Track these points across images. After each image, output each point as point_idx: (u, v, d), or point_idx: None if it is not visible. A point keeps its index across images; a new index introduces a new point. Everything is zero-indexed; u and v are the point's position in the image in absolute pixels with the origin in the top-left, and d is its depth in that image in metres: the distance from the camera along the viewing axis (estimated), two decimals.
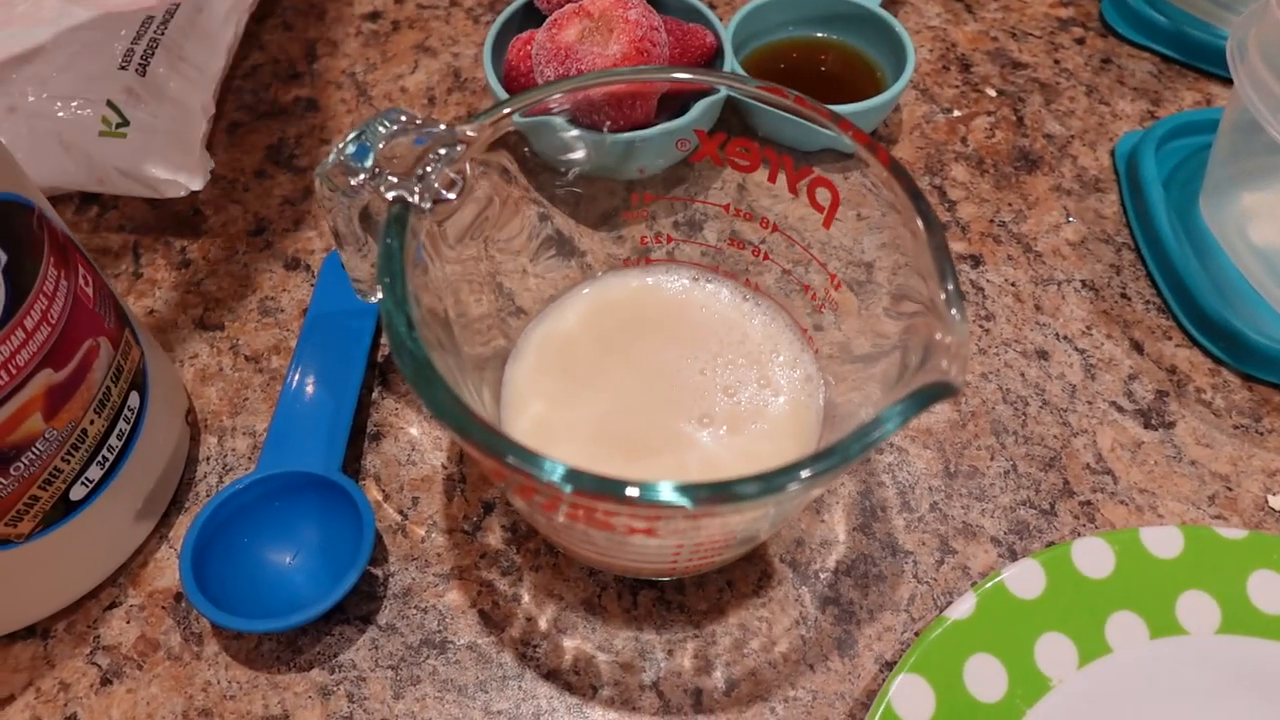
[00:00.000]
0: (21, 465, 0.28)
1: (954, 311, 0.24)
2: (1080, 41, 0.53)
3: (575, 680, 0.32)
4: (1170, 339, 0.41)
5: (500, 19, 0.45)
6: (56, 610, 0.33)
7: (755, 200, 0.33)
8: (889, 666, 0.32)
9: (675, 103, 0.38)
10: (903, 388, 0.24)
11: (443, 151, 0.27)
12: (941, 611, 0.32)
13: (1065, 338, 0.41)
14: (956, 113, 0.50)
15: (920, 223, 0.26)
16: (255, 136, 0.49)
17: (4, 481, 0.27)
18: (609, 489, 0.22)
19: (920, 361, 0.25)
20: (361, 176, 0.27)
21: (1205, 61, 0.51)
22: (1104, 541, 0.32)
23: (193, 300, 0.42)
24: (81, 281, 0.29)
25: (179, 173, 0.41)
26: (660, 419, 0.32)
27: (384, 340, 0.40)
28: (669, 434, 0.32)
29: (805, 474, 0.22)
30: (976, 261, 0.43)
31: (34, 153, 0.41)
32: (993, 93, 0.51)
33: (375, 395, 0.39)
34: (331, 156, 0.27)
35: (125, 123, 0.42)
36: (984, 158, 0.48)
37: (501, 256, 0.33)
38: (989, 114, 0.50)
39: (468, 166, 0.28)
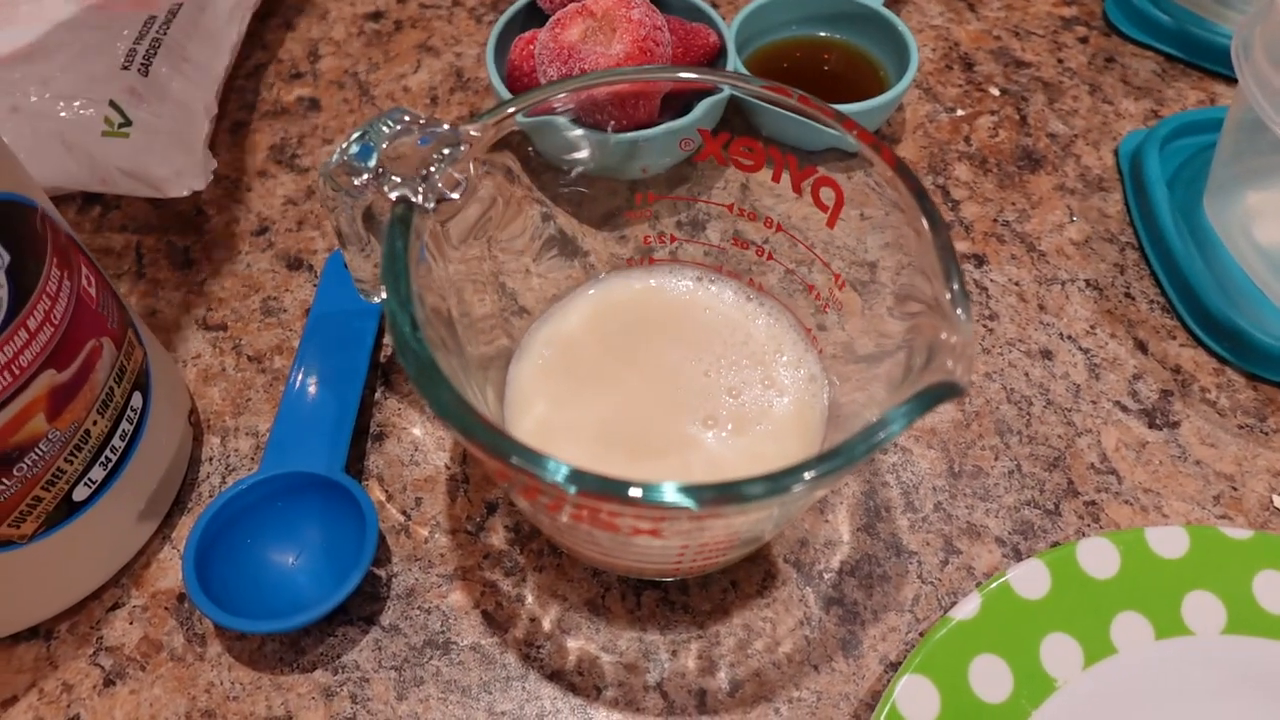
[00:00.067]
0: (24, 466, 0.27)
1: (959, 311, 0.24)
2: (1083, 40, 0.53)
3: (579, 681, 0.32)
4: (1175, 339, 0.41)
5: (503, 19, 0.44)
6: (59, 611, 0.33)
7: (758, 200, 0.33)
8: (893, 667, 0.32)
9: (678, 102, 0.38)
10: (908, 388, 0.24)
11: (446, 151, 0.27)
12: (946, 612, 0.32)
13: (1069, 337, 0.41)
14: (960, 112, 0.49)
15: (925, 222, 0.26)
16: (258, 136, 0.49)
17: (7, 483, 0.27)
18: (613, 490, 0.22)
19: (925, 361, 0.25)
20: (365, 176, 0.27)
21: (1209, 60, 0.51)
22: (1109, 542, 0.32)
23: (195, 300, 0.42)
24: (84, 282, 0.29)
25: (181, 173, 0.41)
26: (664, 420, 0.32)
27: (387, 340, 0.40)
28: (673, 435, 0.32)
29: (811, 475, 0.22)
30: (980, 261, 0.43)
31: (36, 153, 0.41)
32: (996, 92, 0.50)
33: (378, 395, 0.39)
34: (335, 156, 0.27)
35: (128, 122, 0.41)
36: (987, 157, 0.47)
37: (504, 256, 0.33)
38: (992, 113, 0.49)
39: (471, 166, 0.28)
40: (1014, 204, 0.46)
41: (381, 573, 0.34)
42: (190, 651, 0.33)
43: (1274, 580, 0.32)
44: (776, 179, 0.31)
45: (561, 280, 0.36)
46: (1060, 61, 0.52)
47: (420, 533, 0.35)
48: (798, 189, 0.31)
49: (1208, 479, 0.37)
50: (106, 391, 0.30)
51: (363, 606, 0.33)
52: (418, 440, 0.38)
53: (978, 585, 0.33)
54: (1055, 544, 0.35)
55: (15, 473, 0.27)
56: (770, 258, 0.34)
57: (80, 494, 0.30)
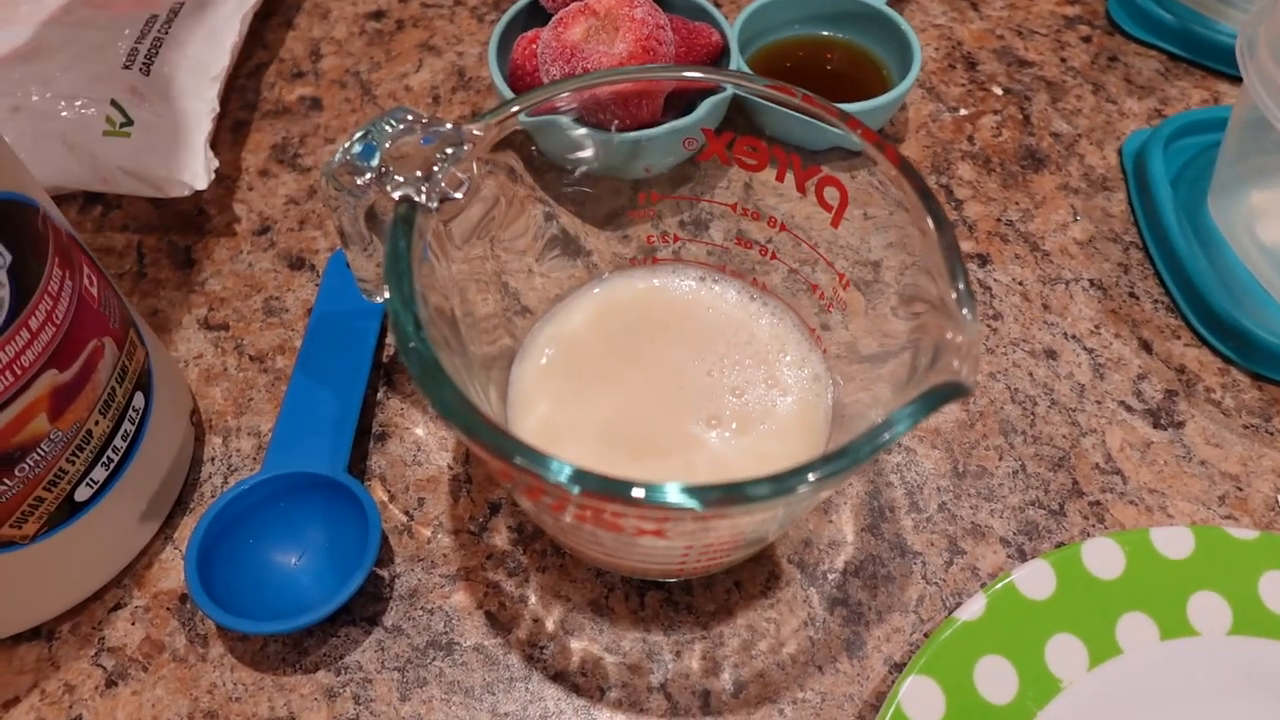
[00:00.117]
0: (26, 467, 0.27)
1: (965, 311, 0.24)
2: (1087, 39, 0.53)
3: (583, 682, 0.32)
4: (1179, 338, 0.41)
5: (505, 18, 0.44)
6: (61, 612, 0.33)
7: (761, 199, 0.33)
8: (898, 668, 0.32)
9: (680, 101, 0.38)
10: (913, 388, 0.24)
11: (449, 151, 0.27)
12: (951, 612, 0.32)
13: (1073, 337, 0.41)
14: (963, 111, 0.49)
15: (930, 221, 0.26)
16: (259, 136, 0.48)
17: (9, 483, 0.27)
18: (617, 490, 0.22)
19: (931, 361, 0.25)
20: (368, 176, 0.27)
21: (1212, 59, 0.51)
22: (1114, 542, 0.32)
23: (197, 300, 0.42)
24: (86, 281, 0.29)
25: (183, 172, 0.41)
26: (668, 420, 0.32)
27: (389, 340, 0.40)
28: (677, 435, 0.32)
29: (816, 475, 0.22)
30: (984, 260, 0.43)
31: (38, 152, 0.41)
32: (999, 91, 0.50)
33: (380, 395, 0.39)
34: (338, 155, 0.27)
35: (129, 122, 0.41)
36: (990, 156, 0.47)
37: (507, 256, 0.33)
38: (995, 112, 0.49)
39: (474, 166, 0.28)
40: (1017, 203, 0.45)
41: (384, 573, 0.34)
42: (192, 652, 0.32)
43: None
44: (780, 178, 0.31)
45: (564, 280, 0.36)
46: (1063, 61, 0.52)
47: (423, 533, 0.35)
48: (801, 188, 0.31)
49: (1213, 479, 0.36)
50: (108, 392, 0.30)
51: (365, 607, 0.33)
52: (420, 440, 0.38)
53: (982, 586, 0.32)
54: (1060, 544, 0.35)
55: (17, 473, 0.27)
56: (774, 257, 0.34)
57: (82, 494, 0.30)
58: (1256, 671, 0.31)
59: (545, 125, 0.31)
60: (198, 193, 0.42)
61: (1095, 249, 0.44)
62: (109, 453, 0.31)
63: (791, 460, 0.31)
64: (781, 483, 0.22)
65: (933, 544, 0.35)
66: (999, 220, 0.45)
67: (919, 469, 0.37)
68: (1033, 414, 0.38)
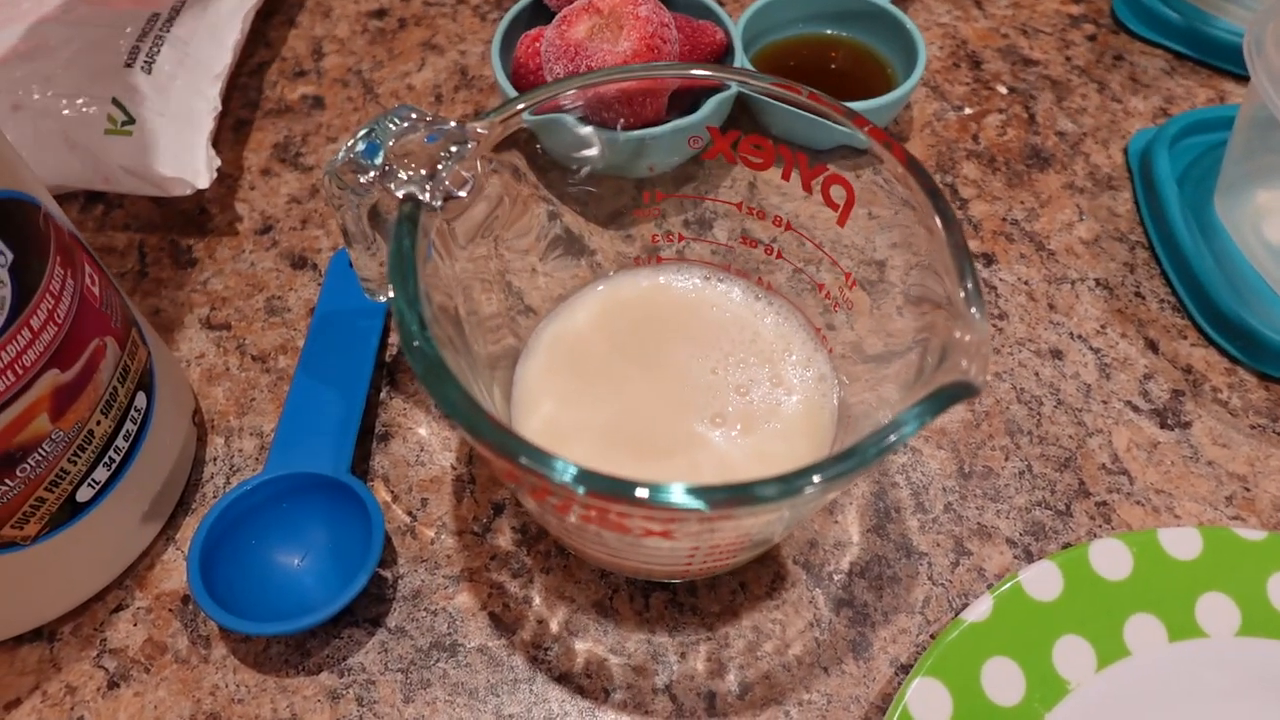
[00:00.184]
0: (28, 467, 0.27)
1: (974, 310, 0.24)
2: (1091, 38, 0.53)
3: (587, 683, 0.32)
4: (1185, 338, 0.40)
5: (508, 16, 0.44)
6: (63, 613, 0.33)
7: (765, 198, 0.33)
8: (904, 669, 0.32)
9: (684, 100, 0.38)
10: (922, 388, 0.24)
11: (454, 149, 0.27)
12: (958, 614, 0.31)
13: (1079, 337, 0.40)
14: (967, 110, 0.49)
15: (938, 220, 0.26)
16: (261, 134, 0.48)
17: (10, 484, 0.27)
18: (622, 490, 0.21)
19: (939, 361, 0.24)
20: (371, 174, 0.27)
21: (1218, 58, 0.51)
22: (1122, 543, 0.32)
23: (199, 300, 0.42)
24: (88, 281, 0.29)
25: (185, 171, 0.41)
26: (672, 419, 0.32)
27: (392, 339, 0.40)
28: (681, 434, 0.31)
29: (824, 476, 0.22)
30: (989, 260, 0.43)
31: (39, 151, 0.41)
32: (1004, 90, 0.50)
33: (383, 395, 0.39)
34: (341, 154, 0.27)
35: (131, 121, 0.41)
36: (995, 155, 0.47)
37: (511, 255, 0.33)
38: (1000, 111, 0.49)
39: (478, 164, 0.27)
40: (1023, 203, 0.45)
41: (387, 574, 0.34)
42: (195, 654, 0.32)
43: None
44: (786, 177, 0.31)
45: (568, 279, 0.35)
46: (1068, 59, 0.52)
47: (426, 534, 0.35)
48: (807, 187, 0.30)
49: (1220, 479, 0.36)
50: (110, 391, 0.30)
51: (369, 608, 0.33)
52: (423, 440, 0.37)
53: (989, 587, 0.32)
54: (1066, 545, 0.35)
55: (19, 473, 0.27)
56: (779, 256, 0.34)
57: (84, 495, 0.30)
58: (1266, 673, 0.31)
59: (549, 124, 0.31)
60: (199, 192, 0.42)
61: (1101, 248, 0.44)
62: (111, 453, 0.30)
63: (796, 460, 0.31)
64: (789, 484, 0.21)
65: (939, 545, 0.35)
66: (1004, 219, 0.45)
67: (925, 469, 0.37)
68: (1039, 414, 0.38)
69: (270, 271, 0.43)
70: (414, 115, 0.27)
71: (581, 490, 0.22)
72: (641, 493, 0.21)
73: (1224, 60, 0.50)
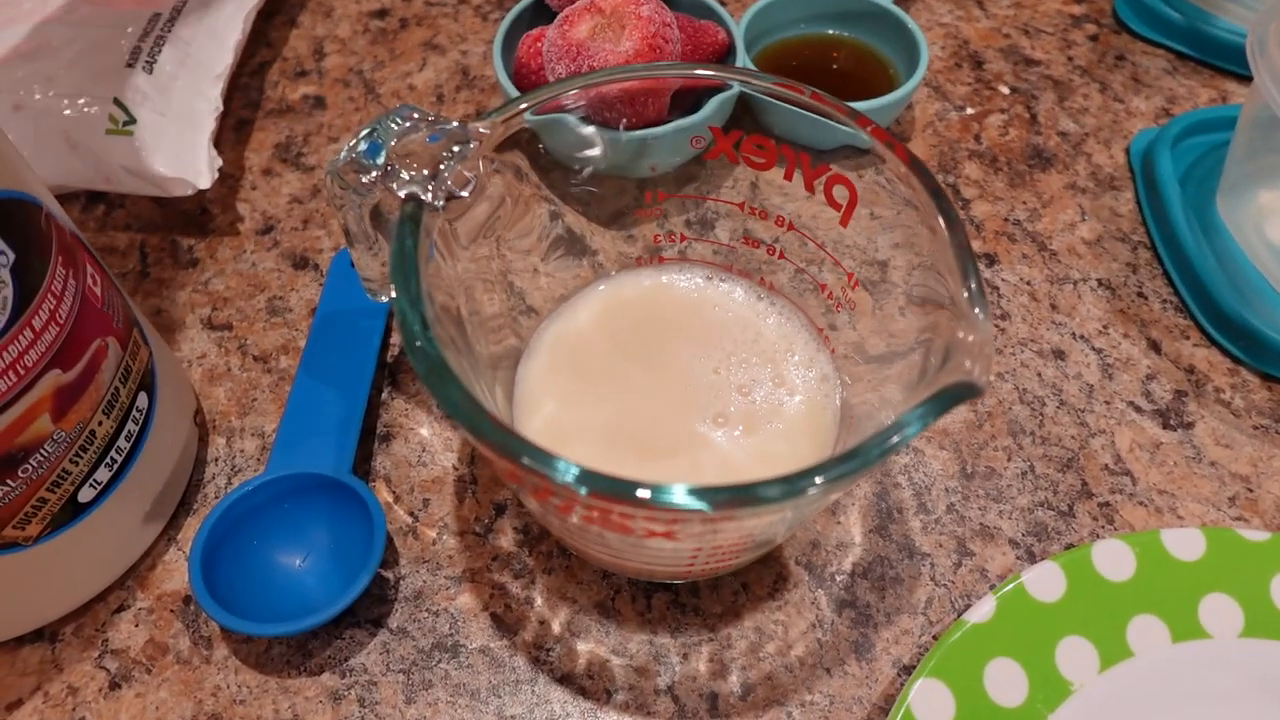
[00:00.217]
0: (30, 467, 0.27)
1: (977, 310, 0.24)
2: (1093, 38, 0.53)
3: (589, 684, 0.32)
4: (1188, 338, 0.40)
5: (510, 16, 0.44)
6: (65, 614, 0.33)
7: (767, 198, 0.33)
8: (907, 670, 0.32)
9: (685, 100, 0.38)
10: (925, 389, 0.24)
11: (456, 149, 0.27)
12: (960, 615, 0.31)
13: (1082, 337, 0.40)
14: (969, 110, 0.49)
15: (941, 220, 0.26)
16: (263, 135, 0.48)
17: (12, 484, 0.27)
18: (625, 491, 0.21)
19: (942, 362, 0.24)
20: (373, 174, 0.27)
21: (1220, 58, 0.51)
22: (1124, 544, 0.32)
23: (200, 300, 0.42)
24: (89, 281, 0.29)
25: (186, 171, 0.41)
26: (675, 419, 0.32)
27: (394, 340, 0.40)
28: (684, 434, 0.31)
29: (827, 477, 0.21)
30: (991, 260, 0.43)
31: (40, 151, 0.41)
32: (1006, 90, 0.50)
33: (385, 396, 0.39)
34: (343, 154, 0.27)
35: (132, 120, 0.41)
36: (997, 155, 0.47)
37: (512, 255, 0.33)
38: (1002, 111, 0.49)
39: (481, 164, 0.27)
40: (1025, 203, 0.45)
41: (389, 575, 0.34)
42: (196, 654, 0.32)
43: None
44: (789, 177, 0.31)
45: (570, 279, 0.35)
46: (1070, 59, 0.52)
47: (428, 534, 0.35)
48: (810, 187, 0.30)
49: (1223, 480, 0.36)
50: (112, 392, 0.30)
51: (370, 609, 0.33)
52: (425, 441, 0.37)
53: (991, 588, 0.32)
54: (1069, 546, 0.35)
55: (20, 474, 0.27)
56: (781, 256, 0.34)
57: (85, 495, 0.30)
58: (1269, 674, 0.31)
59: (552, 123, 0.31)
60: (201, 192, 0.42)
61: (1103, 248, 0.43)
62: (112, 453, 0.30)
63: (799, 461, 0.31)
64: (792, 485, 0.21)
65: (941, 545, 0.35)
66: (1006, 220, 0.45)
67: (927, 470, 0.36)
68: (1041, 414, 0.38)
69: (272, 272, 0.43)
70: (416, 115, 0.27)
71: (584, 491, 0.21)
72: (643, 493, 0.21)
73: (1226, 60, 0.50)
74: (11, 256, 0.25)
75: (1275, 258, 0.40)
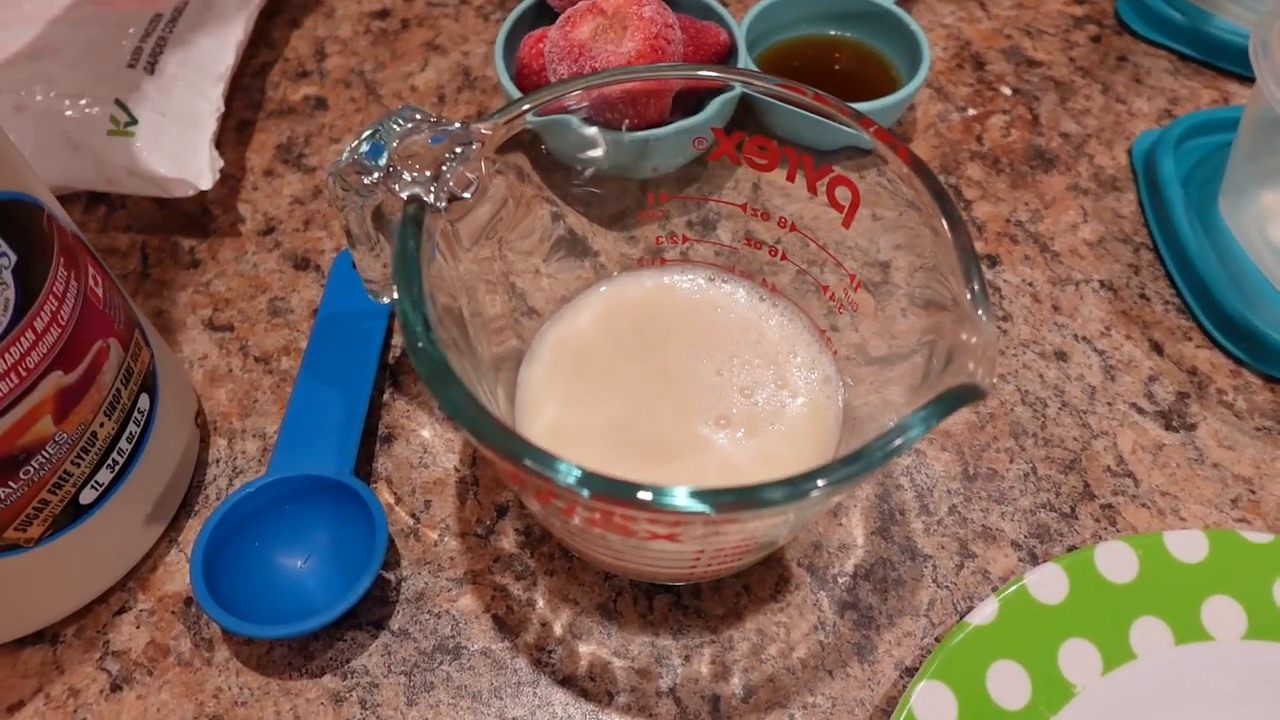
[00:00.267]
0: (31, 469, 0.27)
1: (980, 312, 0.24)
2: (1095, 39, 0.53)
3: (591, 686, 0.32)
4: (1190, 340, 0.40)
5: (511, 17, 0.44)
6: (66, 615, 0.33)
7: (769, 199, 0.33)
8: (909, 673, 0.32)
9: (687, 101, 0.38)
10: (928, 391, 0.24)
11: (458, 150, 0.27)
12: (963, 617, 0.31)
13: (1084, 338, 0.40)
14: (971, 111, 0.49)
15: (944, 222, 0.26)
16: (264, 135, 0.48)
17: (13, 486, 0.27)
18: (627, 494, 0.21)
19: (945, 364, 0.24)
20: (375, 175, 0.27)
21: (1222, 59, 0.50)
22: (1127, 545, 0.32)
23: (201, 301, 0.42)
24: (91, 282, 0.29)
25: (187, 172, 0.41)
26: (677, 421, 0.32)
27: (395, 341, 0.40)
28: (686, 436, 0.31)
29: (830, 480, 0.21)
30: (993, 261, 0.43)
31: (42, 152, 0.41)
32: (1008, 91, 0.50)
33: (387, 397, 0.39)
34: (345, 155, 0.27)
35: (134, 121, 0.41)
36: (999, 157, 0.47)
37: (514, 256, 0.33)
38: (1004, 112, 0.49)
39: (483, 165, 0.27)
40: (1027, 204, 0.45)
41: (391, 576, 0.34)
42: (198, 656, 0.32)
43: None
44: (791, 178, 0.31)
45: (571, 281, 0.35)
46: (1072, 60, 0.52)
47: (430, 536, 0.35)
48: (812, 188, 0.30)
49: (1225, 482, 0.36)
50: (113, 393, 0.30)
51: (372, 611, 0.33)
52: (427, 442, 0.37)
53: (994, 590, 0.32)
54: (1072, 548, 0.35)
55: (22, 476, 0.27)
56: (783, 258, 0.34)
57: (87, 497, 0.30)
58: (1272, 676, 0.30)
59: (554, 125, 0.31)
60: (202, 193, 0.42)
61: (1105, 250, 0.43)
62: (114, 455, 0.30)
63: (801, 463, 0.31)
64: (795, 487, 0.21)
65: (943, 547, 0.35)
66: (1008, 221, 0.44)
67: (929, 471, 0.36)
68: (1043, 416, 0.38)
69: (273, 273, 0.43)
70: (418, 116, 0.27)
71: (586, 493, 0.21)
72: (646, 496, 0.21)
73: (1228, 61, 0.50)
74: (13, 258, 0.25)
75: (1278, 259, 0.40)
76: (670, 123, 0.36)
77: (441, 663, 0.32)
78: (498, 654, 0.32)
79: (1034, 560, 0.34)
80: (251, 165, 0.47)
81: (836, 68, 0.47)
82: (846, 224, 0.30)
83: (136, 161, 0.41)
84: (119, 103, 0.41)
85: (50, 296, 0.26)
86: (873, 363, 0.31)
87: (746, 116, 0.31)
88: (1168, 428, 0.38)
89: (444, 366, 0.23)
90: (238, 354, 0.40)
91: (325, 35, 0.53)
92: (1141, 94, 0.50)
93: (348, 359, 0.37)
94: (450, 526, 0.35)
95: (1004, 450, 0.37)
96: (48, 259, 0.27)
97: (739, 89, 0.30)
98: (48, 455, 0.27)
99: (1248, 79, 0.50)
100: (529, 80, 0.42)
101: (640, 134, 0.34)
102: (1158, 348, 0.40)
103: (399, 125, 0.27)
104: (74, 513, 0.30)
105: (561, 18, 0.39)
